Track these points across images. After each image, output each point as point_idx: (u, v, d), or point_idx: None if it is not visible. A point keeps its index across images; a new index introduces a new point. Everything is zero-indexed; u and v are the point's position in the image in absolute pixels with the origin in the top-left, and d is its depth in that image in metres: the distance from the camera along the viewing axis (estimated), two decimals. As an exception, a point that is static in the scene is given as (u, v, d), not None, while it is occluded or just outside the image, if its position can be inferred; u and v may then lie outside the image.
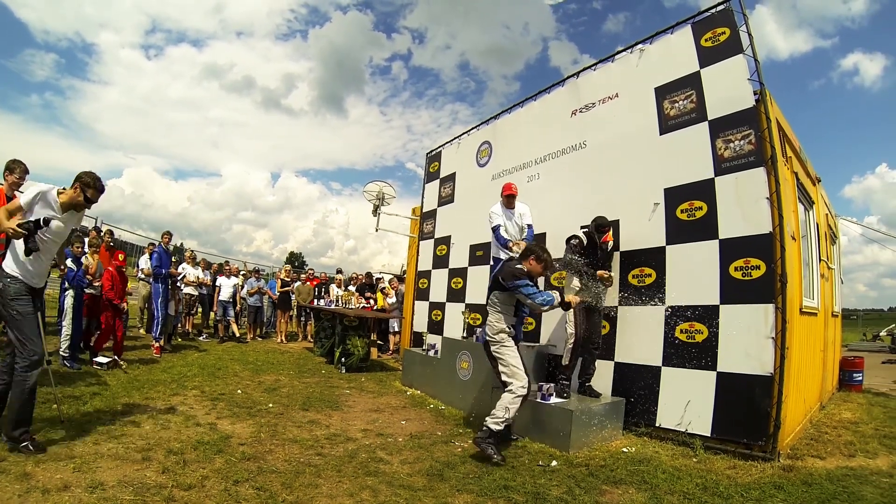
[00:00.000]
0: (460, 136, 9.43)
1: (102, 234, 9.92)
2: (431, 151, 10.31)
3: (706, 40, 5.30)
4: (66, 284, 6.76)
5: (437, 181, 9.80)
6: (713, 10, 5.29)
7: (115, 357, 7.08)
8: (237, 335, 12.10)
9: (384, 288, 13.01)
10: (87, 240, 8.04)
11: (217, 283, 11.96)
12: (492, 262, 6.44)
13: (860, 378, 9.00)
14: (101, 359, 6.80)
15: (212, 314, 12.75)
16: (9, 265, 3.70)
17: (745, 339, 4.65)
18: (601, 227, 5.42)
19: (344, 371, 8.55)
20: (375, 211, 10.47)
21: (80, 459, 3.49)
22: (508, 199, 6.16)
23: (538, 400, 5.07)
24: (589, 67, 6.68)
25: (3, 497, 2.86)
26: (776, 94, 5.07)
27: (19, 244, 3.60)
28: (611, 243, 5.57)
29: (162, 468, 3.49)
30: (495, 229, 6.07)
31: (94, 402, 5.01)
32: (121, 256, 8.33)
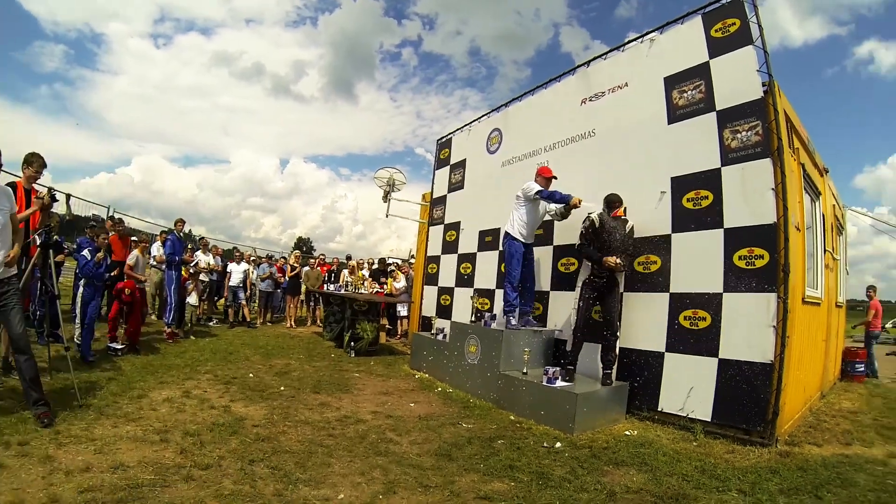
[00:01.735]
0: (471, 123, 9.47)
1: (115, 221, 10.06)
2: (442, 138, 10.34)
3: (716, 31, 5.31)
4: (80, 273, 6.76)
5: (448, 167, 9.84)
6: (724, 1, 5.29)
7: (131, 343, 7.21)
8: (248, 319, 12.28)
9: (393, 272, 13.12)
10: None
11: (228, 270, 12.09)
12: (504, 242, 6.42)
13: (862, 369, 9.04)
14: (115, 344, 6.93)
15: (222, 300, 12.92)
16: None
17: (746, 327, 4.72)
18: (611, 203, 5.49)
19: (353, 355, 8.66)
20: (386, 197, 10.51)
21: (100, 441, 3.62)
22: (548, 181, 6.22)
23: (544, 383, 5.19)
24: (599, 56, 6.70)
25: (28, 479, 2.97)
26: (789, 82, 5.14)
27: None
28: (627, 221, 5.52)
29: (180, 449, 3.63)
30: (540, 192, 6.07)
31: (111, 387, 5.14)
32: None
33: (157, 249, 9.79)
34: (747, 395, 4.62)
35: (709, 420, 4.81)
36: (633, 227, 5.52)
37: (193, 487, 3.04)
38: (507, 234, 6.37)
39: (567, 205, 5.96)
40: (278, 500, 2.99)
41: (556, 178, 6.21)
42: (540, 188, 6.13)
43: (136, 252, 7.69)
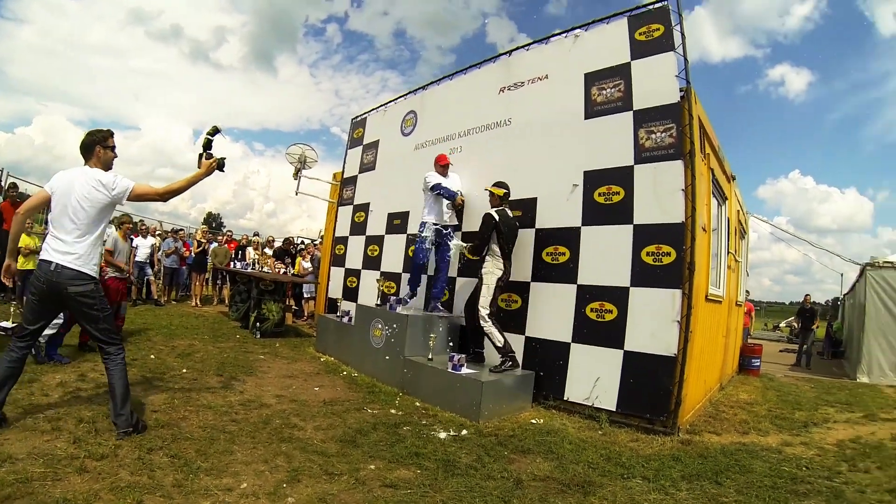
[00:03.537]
0: (387, 103, 9.30)
1: (6, 187, 9.28)
2: (357, 117, 10.12)
3: (640, 34, 5.42)
4: None
5: (360, 147, 9.65)
6: (651, 7, 5.41)
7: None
8: (155, 297, 11.73)
9: (302, 251, 12.89)
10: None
11: (133, 244, 11.43)
12: (421, 228, 6.60)
13: (758, 363, 9.73)
14: (4, 324, 6.33)
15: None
16: (93, 267, 3.60)
17: (651, 321, 4.87)
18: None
19: (259, 336, 8.45)
20: (297, 174, 10.20)
21: (-15, 433, 3.31)
22: (445, 168, 6.51)
23: (449, 370, 5.19)
24: (522, 47, 6.70)
25: None
26: (704, 93, 5.26)
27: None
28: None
29: (73, 438, 3.35)
30: (436, 186, 6.34)
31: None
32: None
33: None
34: (651, 386, 4.79)
35: (614, 410, 4.96)
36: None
37: (87, 480, 2.81)
38: (421, 221, 6.59)
39: (453, 202, 6.40)
40: (178, 492, 2.81)
41: (451, 164, 6.50)
42: (437, 181, 6.39)
43: (115, 235, 6.60)
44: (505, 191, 5.72)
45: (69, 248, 3.45)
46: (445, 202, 6.52)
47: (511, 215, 5.69)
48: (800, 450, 4.63)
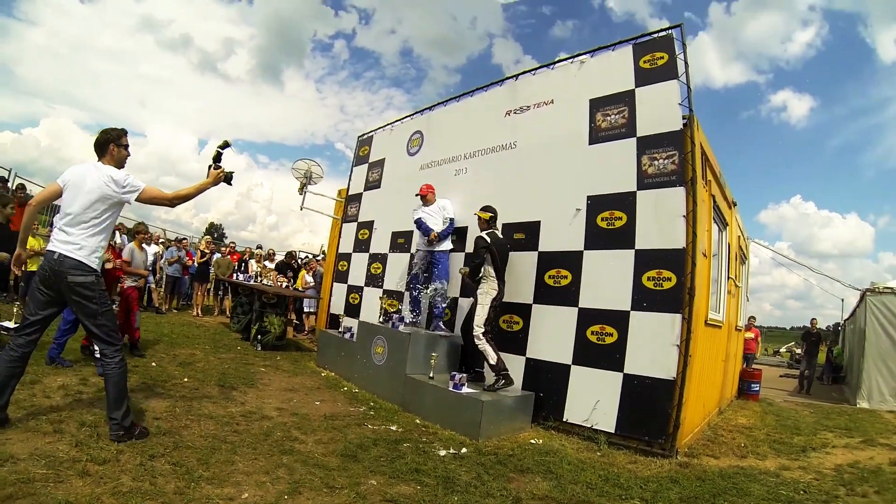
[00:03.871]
0: (393, 122, 9.40)
1: (14, 188, 9.36)
2: (363, 135, 10.21)
3: (645, 62, 5.52)
4: None
5: (366, 165, 9.72)
6: (655, 35, 5.53)
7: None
8: (156, 305, 11.78)
9: (306, 265, 12.97)
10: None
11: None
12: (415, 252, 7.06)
13: (757, 388, 9.72)
14: (6, 323, 6.37)
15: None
16: (94, 260, 3.63)
17: (651, 345, 4.92)
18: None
19: (259, 349, 8.48)
20: (302, 189, 10.23)
21: (-14, 432, 3.32)
22: (423, 199, 6.87)
23: (450, 388, 5.22)
24: (529, 71, 6.81)
25: None
26: (706, 119, 5.36)
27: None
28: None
29: (75, 441, 3.36)
30: (416, 222, 6.78)
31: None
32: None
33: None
34: (650, 409, 4.82)
35: (612, 431, 4.99)
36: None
37: (89, 483, 2.82)
38: (416, 248, 6.97)
39: (428, 237, 6.61)
40: (180, 499, 2.82)
41: (431, 192, 6.96)
42: (417, 217, 6.80)
43: (131, 245, 6.85)
44: (491, 214, 5.84)
45: (73, 238, 3.51)
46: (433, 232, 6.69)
47: (501, 236, 5.80)
48: (798, 474, 4.66)
